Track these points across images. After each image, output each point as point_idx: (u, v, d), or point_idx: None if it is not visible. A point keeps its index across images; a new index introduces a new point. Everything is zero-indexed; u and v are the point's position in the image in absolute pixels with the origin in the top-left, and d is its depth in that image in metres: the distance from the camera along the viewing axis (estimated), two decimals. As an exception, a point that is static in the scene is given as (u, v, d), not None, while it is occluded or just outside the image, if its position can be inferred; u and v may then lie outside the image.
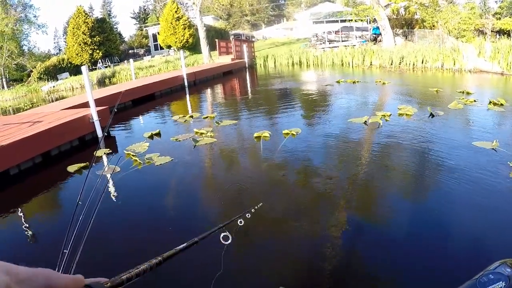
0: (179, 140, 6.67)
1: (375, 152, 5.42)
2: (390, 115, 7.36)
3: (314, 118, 8.20)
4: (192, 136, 6.82)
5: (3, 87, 32.27)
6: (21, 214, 4.29)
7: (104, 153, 6.31)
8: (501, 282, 0.74)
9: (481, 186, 3.89)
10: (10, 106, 18.98)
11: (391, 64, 18.87)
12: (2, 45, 32.89)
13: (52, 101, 15.40)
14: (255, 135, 6.48)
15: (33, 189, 5.15)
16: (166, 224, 3.68)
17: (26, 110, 11.17)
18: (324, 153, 5.62)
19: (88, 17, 35.25)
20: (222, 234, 1.14)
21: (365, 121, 7.01)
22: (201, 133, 6.97)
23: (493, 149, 4.95)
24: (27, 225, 3.99)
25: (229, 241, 1.15)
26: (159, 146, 6.44)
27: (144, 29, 47.81)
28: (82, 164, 5.65)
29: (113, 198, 4.39)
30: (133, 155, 5.77)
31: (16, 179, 5.44)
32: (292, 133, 6.47)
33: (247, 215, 1.42)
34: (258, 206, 1.65)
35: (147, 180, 5.00)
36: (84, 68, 7.73)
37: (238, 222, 1.37)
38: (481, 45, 16.16)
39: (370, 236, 3.23)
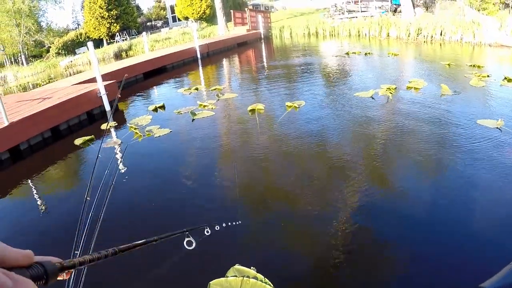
0: (181, 113, 6.85)
1: (379, 128, 5.29)
2: (396, 88, 7.14)
3: (320, 91, 8.14)
4: (192, 109, 6.99)
5: (22, 64, 32.94)
6: (31, 189, 4.62)
7: (110, 126, 6.57)
8: None
9: (484, 165, 3.76)
10: (29, 82, 19.48)
11: (409, 36, 18.29)
12: (19, 23, 33.32)
13: (70, 76, 15.73)
14: (249, 108, 6.58)
15: (41, 163, 5.48)
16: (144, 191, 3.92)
17: (43, 85, 11.52)
18: (324, 127, 5.57)
19: (105, -10, 35.21)
20: (186, 239, 1.08)
21: (372, 96, 6.83)
22: (204, 106, 7.11)
23: (497, 128, 4.71)
24: (40, 202, 4.30)
25: (193, 246, 1.09)
26: (161, 119, 6.65)
27: (162, 0, 47.46)
28: (87, 138, 5.93)
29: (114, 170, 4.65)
30: (135, 128, 6.00)
31: (27, 154, 5.78)
32: (294, 106, 6.52)
33: (216, 227, 1.34)
34: (234, 223, 1.54)
35: (143, 151, 5.25)
36: (90, 44, 7.93)
37: (205, 231, 1.29)
38: (503, 19, 15.34)
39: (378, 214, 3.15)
